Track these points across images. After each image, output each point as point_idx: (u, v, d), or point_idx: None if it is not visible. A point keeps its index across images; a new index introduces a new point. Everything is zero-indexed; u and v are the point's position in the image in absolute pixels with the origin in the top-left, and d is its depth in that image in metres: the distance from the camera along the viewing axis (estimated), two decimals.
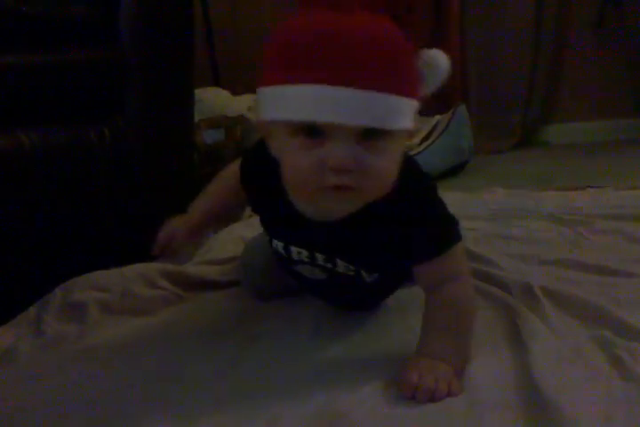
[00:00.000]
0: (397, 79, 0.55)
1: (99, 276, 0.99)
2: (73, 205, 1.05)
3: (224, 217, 0.86)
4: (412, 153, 1.86)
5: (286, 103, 0.55)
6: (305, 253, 0.73)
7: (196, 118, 1.41)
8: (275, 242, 0.77)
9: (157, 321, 0.91)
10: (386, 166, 0.58)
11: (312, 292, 0.86)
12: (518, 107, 2.50)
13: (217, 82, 2.31)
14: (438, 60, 0.61)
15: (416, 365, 0.63)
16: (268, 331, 0.81)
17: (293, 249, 0.74)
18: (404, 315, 0.81)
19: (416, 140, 1.95)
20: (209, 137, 1.73)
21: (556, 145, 2.51)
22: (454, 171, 1.99)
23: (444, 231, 0.68)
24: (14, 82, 0.99)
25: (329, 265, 0.74)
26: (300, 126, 0.56)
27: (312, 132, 0.55)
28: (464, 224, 1.16)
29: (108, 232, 1.11)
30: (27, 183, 0.99)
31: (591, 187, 1.47)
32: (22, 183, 0.99)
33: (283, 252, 0.76)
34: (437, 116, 2.07)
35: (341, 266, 0.73)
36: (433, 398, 0.60)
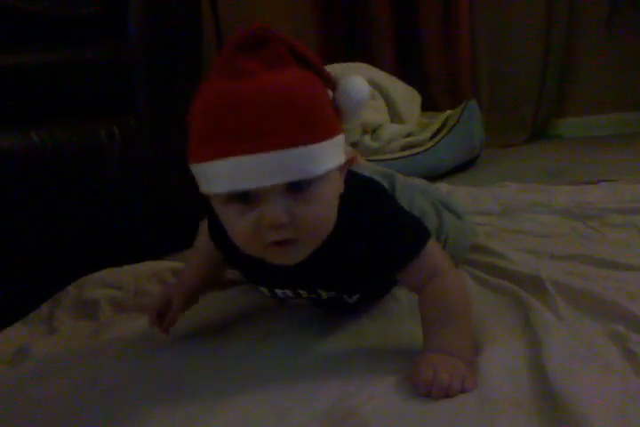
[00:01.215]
0: (306, 130, 0.56)
1: (111, 273, 1.00)
2: (84, 203, 1.06)
3: (216, 279, 0.87)
4: (422, 149, 1.86)
5: (210, 178, 0.58)
6: (289, 292, 0.77)
7: None
8: (259, 288, 0.81)
9: None
10: (319, 212, 0.60)
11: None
12: (530, 100, 2.49)
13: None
14: (353, 87, 0.63)
15: (429, 361, 0.62)
16: (278, 327, 0.81)
17: (278, 291, 0.78)
18: (414, 308, 0.81)
19: (427, 134, 1.94)
20: None
21: (568, 139, 2.49)
22: (465, 166, 1.98)
23: (409, 235, 0.69)
24: (25, 81, 1.00)
25: (314, 296, 0.77)
26: (231, 195, 0.58)
27: (243, 197, 0.58)
28: (475, 219, 1.18)
29: (119, 230, 1.12)
30: (37, 182, 1.00)
31: (604, 181, 1.45)
32: (33, 182, 0.99)
33: (269, 294, 0.80)
34: (448, 111, 2.06)
35: (324, 294, 0.76)
36: (448, 394, 0.59)
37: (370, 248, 0.68)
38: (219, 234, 0.72)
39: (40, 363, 0.81)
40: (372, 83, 1.96)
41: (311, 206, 0.58)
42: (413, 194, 0.93)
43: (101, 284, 0.97)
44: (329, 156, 0.59)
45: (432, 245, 0.70)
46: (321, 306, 0.84)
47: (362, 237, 0.67)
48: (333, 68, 1.90)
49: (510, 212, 1.27)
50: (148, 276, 0.99)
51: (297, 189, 0.58)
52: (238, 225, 0.59)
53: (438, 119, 2.03)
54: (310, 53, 0.60)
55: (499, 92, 2.53)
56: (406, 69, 2.48)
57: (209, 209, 0.71)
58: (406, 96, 2.12)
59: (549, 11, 2.41)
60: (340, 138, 0.61)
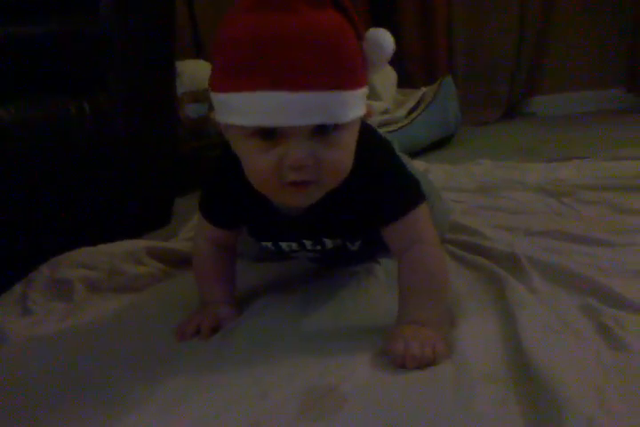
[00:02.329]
0: (339, 75, 0.57)
1: (85, 253, 0.98)
2: (54, 179, 1.04)
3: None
4: (398, 126, 1.85)
5: (236, 110, 0.58)
6: (294, 244, 0.78)
7: (178, 92, 1.39)
8: (263, 243, 0.81)
9: (145, 298, 0.91)
10: (341, 158, 0.61)
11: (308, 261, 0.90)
12: (504, 78, 2.49)
13: (199, 54, 2.27)
14: (382, 39, 0.62)
15: (400, 333, 0.64)
16: (256, 305, 0.81)
17: (282, 244, 0.79)
18: (392, 286, 0.81)
19: (402, 111, 1.94)
20: (192, 111, 1.70)
21: (542, 116, 2.51)
22: (441, 143, 1.99)
23: (405, 194, 0.71)
24: None
25: (318, 247, 0.78)
26: (254, 130, 0.58)
27: (266, 134, 0.58)
28: (451, 196, 1.18)
29: (91, 208, 1.10)
30: (5, 156, 0.97)
31: (577, 158, 1.47)
32: (1, 157, 0.97)
33: (273, 248, 0.81)
34: (424, 88, 2.06)
35: (328, 243, 0.77)
36: (421, 363, 0.61)
37: (367, 198, 0.69)
38: (223, 200, 0.75)
39: (14, 345, 0.80)
40: None
41: (334, 151, 0.60)
42: (408, 160, 0.92)
43: (75, 264, 0.95)
44: (357, 104, 0.60)
45: (423, 211, 0.71)
46: (322, 261, 0.85)
47: (364, 186, 0.68)
48: None
49: (485, 189, 1.28)
50: (123, 256, 0.98)
51: (323, 132, 0.58)
52: (259, 161, 0.60)
53: (414, 96, 2.02)
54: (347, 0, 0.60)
55: (474, 70, 2.52)
56: None
57: (203, 185, 0.77)
58: (382, 73, 2.11)
59: None
60: (366, 89, 0.62)
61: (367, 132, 0.69)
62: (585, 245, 0.88)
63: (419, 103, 1.98)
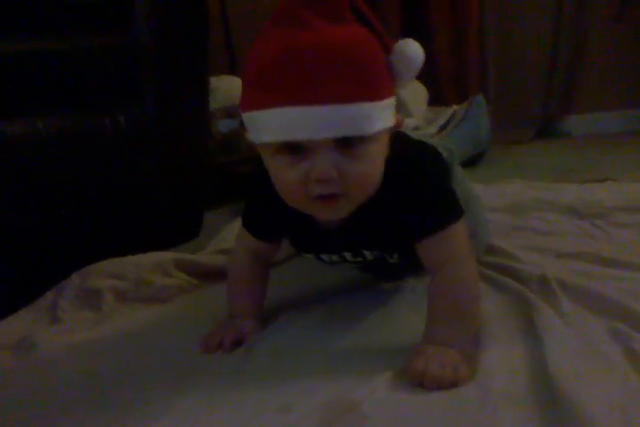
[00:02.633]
0: (359, 87, 0.57)
1: (114, 263, 1.00)
2: (88, 192, 1.06)
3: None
4: None
5: (261, 127, 0.60)
6: (335, 257, 0.79)
7: (211, 107, 1.41)
8: (305, 255, 0.83)
9: (171, 309, 0.92)
10: (367, 171, 0.61)
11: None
12: (538, 97, 2.47)
13: (233, 70, 2.30)
14: (410, 50, 0.63)
15: (422, 352, 0.63)
16: (280, 320, 0.82)
17: (324, 257, 0.80)
18: (418, 306, 0.81)
19: (433, 129, 1.94)
20: (224, 126, 1.73)
21: (575, 136, 2.48)
22: (471, 161, 1.98)
23: (440, 209, 0.69)
24: (30, 68, 0.99)
25: (359, 259, 0.79)
26: (282, 145, 0.59)
27: (293, 148, 0.59)
28: None
29: (122, 220, 1.12)
30: (42, 170, 1.00)
31: (610, 179, 1.44)
32: (37, 170, 0.99)
33: (317, 260, 0.83)
34: (455, 106, 2.05)
35: (368, 255, 0.78)
36: (440, 385, 0.59)
37: (403, 212, 0.68)
38: (266, 214, 0.76)
39: (43, 352, 0.81)
40: None
41: (359, 164, 0.60)
42: (464, 176, 0.94)
43: (105, 273, 0.97)
44: (382, 116, 0.60)
45: (461, 228, 0.69)
46: (367, 270, 0.86)
47: (399, 200, 0.68)
48: None
49: (517, 209, 1.27)
50: (151, 266, 0.99)
51: (348, 145, 0.59)
52: (286, 176, 0.61)
53: (445, 114, 2.02)
54: (371, 13, 0.60)
55: (507, 88, 2.51)
56: None
57: (248, 193, 0.78)
58: (413, 90, 2.11)
59: (559, 5, 2.39)
60: (393, 100, 0.62)
61: (405, 144, 0.70)
62: (616, 268, 0.87)
63: (449, 121, 1.98)
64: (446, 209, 0.69)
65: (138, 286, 0.96)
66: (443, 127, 1.95)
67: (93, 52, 1.05)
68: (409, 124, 1.95)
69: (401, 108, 2.06)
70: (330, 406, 0.58)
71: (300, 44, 0.56)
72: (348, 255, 0.78)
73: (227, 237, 1.18)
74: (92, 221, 1.08)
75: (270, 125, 0.59)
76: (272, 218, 0.77)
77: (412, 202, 0.68)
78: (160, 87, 1.13)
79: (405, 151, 0.69)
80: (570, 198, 1.30)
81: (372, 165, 0.62)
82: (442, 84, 2.51)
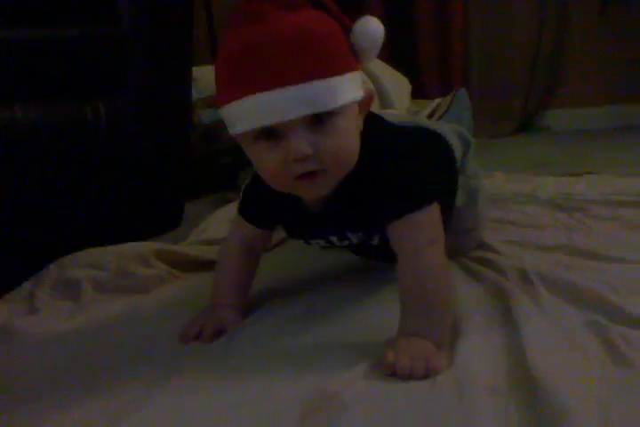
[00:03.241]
0: (322, 64, 0.60)
1: (93, 253, 0.98)
2: (67, 180, 1.04)
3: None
4: None
5: (235, 119, 0.63)
6: (322, 242, 0.81)
7: (193, 97, 1.40)
8: (297, 240, 0.87)
9: (151, 300, 0.91)
10: (341, 144, 0.63)
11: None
12: (520, 91, 2.49)
13: (215, 60, 2.28)
14: (370, 27, 0.66)
15: (392, 345, 0.64)
16: (260, 312, 0.81)
17: (312, 242, 0.83)
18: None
19: None
20: (206, 116, 1.71)
21: (556, 131, 2.50)
22: None
23: (411, 194, 0.69)
24: (12, 57, 0.98)
25: (345, 242, 0.80)
26: (257, 133, 0.62)
27: (269, 134, 0.62)
28: None
29: (102, 209, 1.11)
30: (20, 157, 0.98)
31: (589, 173, 1.46)
32: (15, 157, 0.98)
33: (308, 246, 0.86)
34: (437, 100, 2.05)
35: (353, 238, 0.79)
36: (412, 377, 0.60)
37: (376, 194, 0.70)
38: (259, 200, 0.79)
39: (20, 342, 0.80)
40: (362, 69, 1.94)
41: (333, 138, 0.62)
42: (477, 171, 0.96)
43: (84, 263, 0.96)
44: (346, 89, 0.62)
45: (431, 213, 0.69)
46: (358, 253, 0.91)
47: (373, 182, 0.69)
48: None
49: (496, 202, 1.27)
50: (132, 257, 0.98)
51: (318, 122, 0.61)
52: (266, 161, 0.63)
53: (428, 107, 2.02)
54: None
55: (489, 83, 2.52)
56: (397, 57, 2.47)
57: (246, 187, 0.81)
58: (396, 83, 2.11)
59: (542, 1, 2.40)
60: (357, 75, 0.65)
61: (381, 127, 0.72)
62: (595, 260, 0.88)
63: (432, 114, 1.98)
64: (416, 193, 0.69)
65: (117, 277, 0.95)
66: None
67: (76, 40, 1.04)
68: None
69: (384, 99, 2.06)
70: (309, 397, 0.58)
71: (258, 35, 0.60)
72: (334, 239, 0.80)
73: (208, 227, 1.17)
74: (71, 211, 1.07)
75: (243, 115, 0.62)
76: (263, 204, 0.79)
77: (383, 184, 0.69)
78: (142, 77, 1.12)
79: (381, 134, 0.72)
80: (549, 192, 1.31)
81: (345, 139, 0.64)
82: (425, 77, 2.52)
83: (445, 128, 0.94)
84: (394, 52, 2.49)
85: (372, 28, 0.66)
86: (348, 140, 0.64)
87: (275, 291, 0.88)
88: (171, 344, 0.75)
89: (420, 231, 0.68)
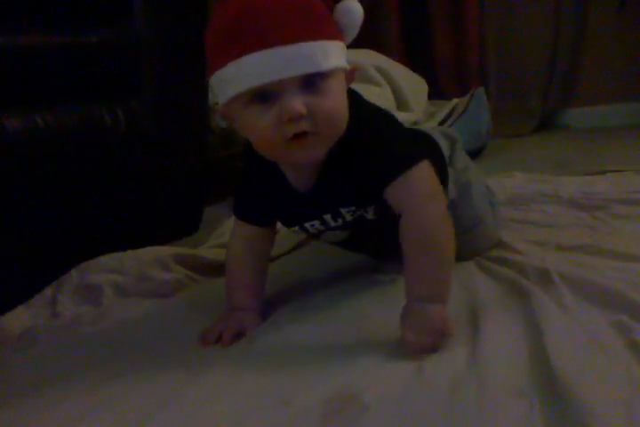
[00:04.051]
0: (314, 27, 0.64)
1: (113, 258, 0.99)
2: (87, 187, 1.05)
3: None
4: None
5: (230, 82, 0.65)
6: (316, 223, 0.81)
7: (210, 101, 1.40)
8: (292, 229, 0.85)
9: (171, 304, 0.92)
10: (333, 105, 0.66)
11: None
12: (538, 90, 2.47)
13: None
14: (352, 8, 0.69)
15: (408, 321, 0.67)
16: (281, 316, 0.81)
17: (307, 225, 0.81)
18: None
19: (433, 123, 1.93)
20: (223, 120, 1.72)
21: (576, 129, 2.47)
22: (472, 155, 1.96)
23: (400, 154, 0.72)
24: (29, 63, 0.99)
25: (339, 221, 0.80)
26: (251, 95, 0.64)
27: (263, 97, 0.64)
28: None
29: (121, 215, 1.12)
30: (41, 165, 0.99)
31: (611, 172, 1.44)
32: (36, 164, 0.99)
33: (301, 232, 0.85)
34: (455, 100, 2.05)
35: (346, 215, 0.79)
36: (435, 349, 0.65)
37: (369, 157, 0.72)
38: (246, 188, 0.82)
39: (43, 348, 0.81)
40: (378, 70, 1.95)
41: (325, 99, 0.64)
42: (468, 163, 0.97)
43: (104, 268, 0.97)
44: (336, 54, 0.66)
45: (426, 170, 0.71)
46: (354, 241, 0.86)
47: (363, 145, 0.72)
48: None
49: (517, 202, 1.26)
50: (151, 261, 0.99)
51: (311, 84, 0.64)
52: (260, 123, 0.65)
53: (445, 107, 2.02)
54: None
55: (507, 82, 2.51)
56: (414, 57, 2.47)
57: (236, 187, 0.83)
58: (413, 84, 2.11)
59: (558, 0, 2.38)
60: (343, 45, 0.68)
61: (365, 106, 0.76)
62: (617, 260, 0.86)
63: (450, 114, 1.97)
64: (407, 151, 0.72)
65: (138, 281, 0.96)
66: (443, 121, 1.94)
67: (92, 46, 1.05)
68: (409, 119, 1.95)
69: (401, 101, 2.05)
70: (330, 398, 0.58)
71: (251, 1, 0.64)
72: (328, 218, 0.79)
73: (226, 231, 1.17)
74: (91, 216, 1.08)
75: (239, 76, 0.63)
76: (256, 196, 0.81)
77: (374, 149, 0.72)
78: (159, 82, 1.13)
79: (364, 107, 0.75)
80: (570, 191, 1.29)
81: (337, 100, 0.66)
82: (442, 78, 2.51)
83: (427, 128, 0.96)
84: (410, 53, 2.50)
85: (353, 7, 0.69)
86: (339, 102, 0.67)
87: (291, 295, 0.88)
88: (191, 348, 0.76)
89: (417, 188, 0.70)
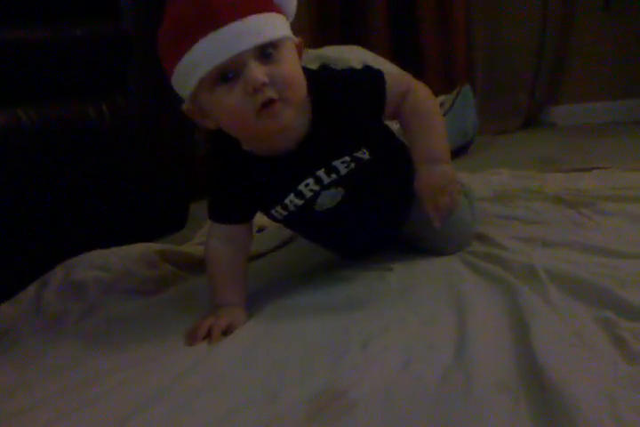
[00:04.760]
0: (257, 2, 0.69)
1: (99, 255, 0.99)
2: (71, 181, 1.04)
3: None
4: None
5: (194, 65, 0.68)
6: (311, 182, 0.81)
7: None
8: (287, 202, 0.82)
9: (157, 301, 0.91)
10: (290, 71, 0.71)
11: (339, 236, 0.92)
12: (524, 87, 2.48)
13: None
14: None
15: (421, 186, 0.79)
16: (266, 309, 0.81)
17: (302, 189, 0.81)
18: (404, 293, 0.82)
19: None
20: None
21: (562, 126, 2.49)
22: (458, 151, 1.97)
23: (368, 73, 0.83)
24: (13, 58, 0.98)
25: (334, 176, 0.81)
26: (214, 78, 0.68)
27: (225, 77, 0.68)
28: None
29: (106, 211, 1.11)
30: (24, 160, 0.98)
31: (597, 168, 1.45)
32: (19, 160, 0.98)
33: (300, 202, 0.82)
34: (442, 96, 2.05)
35: (341, 167, 0.81)
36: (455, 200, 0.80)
37: (347, 99, 0.79)
38: (221, 184, 0.83)
39: (27, 345, 0.81)
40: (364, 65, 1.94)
41: (282, 66, 0.69)
42: None
43: (89, 265, 0.96)
44: (281, 25, 0.71)
45: (389, 75, 0.83)
46: (351, 221, 0.88)
47: (334, 93, 0.79)
48: (326, 50, 1.88)
49: (503, 198, 1.27)
50: (137, 258, 0.99)
51: (266, 55, 0.68)
52: (229, 100, 0.69)
53: None
54: None
55: (493, 79, 2.51)
56: (401, 54, 2.46)
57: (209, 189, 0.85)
58: None
59: None
60: (285, 19, 0.73)
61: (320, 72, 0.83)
62: (603, 256, 0.87)
63: None
64: (370, 72, 0.83)
65: (123, 278, 0.95)
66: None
67: (79, 41, 1.04)
68: None
69: None
70: (318, 395, 0.58)
71: None
72: (322, 175, 0.80)
73: None
74: (75, 213, 1.06)
75: (198, 60, 0.67)
76: (233, 188, 0.82)
77: (348, 90, 0.79)
78: (145, 76, 1.12)
79: (323, 71, 0.85)
80: (556, 187, 1.30)
81: (292, 67, 0.71)
82: (429, 74, 2.51)
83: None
84: (396, 49, 2.49)
85: None
86: (295, 68, 0.72)
87: (275, 290, 0.88)
88: (177, 346, 0.75)
89: (399, 85, 0.82)
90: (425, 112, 0.83)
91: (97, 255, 0.98)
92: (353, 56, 1.91)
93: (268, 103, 0.69)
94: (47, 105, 1.00)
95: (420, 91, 0.84)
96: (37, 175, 1.01)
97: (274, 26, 0.69)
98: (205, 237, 1.13)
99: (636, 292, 0.72)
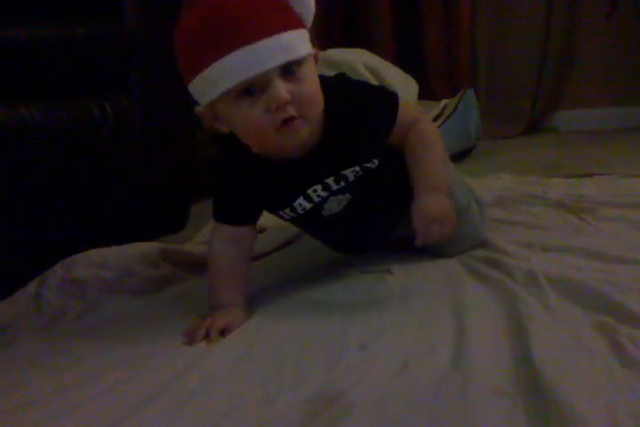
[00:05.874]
0: (286, 19, 0.70)
1: (99, 253, 0.99)
2: (73, 180, 1.04)
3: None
4: None
5: (217, 79, 0.68)
6: (319, 189, 0.82)
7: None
8: (296, 205, 0.83)
9: (156, 300, 0.91)
10: (312, 89, 0.72)
11: (342, 234, 0.92)
12: (528, 92, 2.48)
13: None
14: None
15: (417, 214, 0.77)
16: (265, 310, 0.81)
17: (310, 193, 0.82)
18: (404, 295, 0.82)
19: None
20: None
21: (564, 132, 2.49)
22: (461, 156, 1.97)
23: (383, 96, 0.84)
24: (17, 56, 0.98)
25: (342, 184, 0.82)
26: (238, 91, 0.69)
27: (249, 91, 0.69)
28: None
29: (108, 210, 1.11)
30: (28, 158, 0.98)
31: (598, 174, 1.45)
32: (23, 158, 0.98)
33: (309, 206, 0.83)
34: (445, 100, 2.05)
35: (350, 175, 0.82)
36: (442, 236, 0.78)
37: (360, 115, 0.80)
38: (226, 186, 0.83)
39: (25, 343, 0.80)
40: (369, 69, 1.94)
41: (304, 85, 0.71)
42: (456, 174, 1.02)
43: (89, 264, 0.96)
44: (305, 42, 0.72)
45: (402, 101, 0.83)
46: (354, 221, 0.88)
47: (349, 108, 0.79)
48: (331, 53, 1.89)
49: (504, 203, 1.27)
50: (137, 257, 0.99)
51: (290, 72, 0.69)
52: (251, 115, 0.70)
53: (435, 108, 2.02)
54: None
55: (497, 84, 2.51)
56: (405, 57, 2.47)
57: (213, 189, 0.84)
58: (403, 83, 2.10)
59: (550, 3, 2.39)
60: (306, 32, 0.73)
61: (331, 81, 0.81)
62: (603, 261, 0.87)
63: (439, 115, 1.98)
64: (385, 94, 0.84)
65: (123, 277, 0.95)
66: (432, 121, 1.95)
67: (82, 41, 1.04)
68: None
69: None
70: (314, 397, 0.58)
71: (217, 4, 0.68)
72: (331, 183, 0.81)
73: None
74: (76, 211, 1.07)
75: (225, 73, 0.67)
76: (238, 190, 0.82)
77: (359, 108, 0.80)
78: (148, 76, 1.12)
79: (337, 82, 0.82)
80: (557, 193, 1.30)
81: (313, 85, 0.73)
82: (432, 78, 2.51)
83: None
84: (400, 53, 2.50)
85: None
86: (315, 86, 0.73)
87: (274, 291, 0.88)
88: (175, 346, 0.75)
89: (408, 116, 0.83)
90: (430, 141, 0.84)
91: (97, 254, 0.98)
92: (357, 59, 1.91)
93: (288, 120, 0.70)
94: (50, 104, 1.00)
95: (428, 123, 0.87)
96: (39, 174, 1.01)
97: (299, 43, 0.70)
98: (206, 236, 1.15)
99: (636, 297, 0.72)
